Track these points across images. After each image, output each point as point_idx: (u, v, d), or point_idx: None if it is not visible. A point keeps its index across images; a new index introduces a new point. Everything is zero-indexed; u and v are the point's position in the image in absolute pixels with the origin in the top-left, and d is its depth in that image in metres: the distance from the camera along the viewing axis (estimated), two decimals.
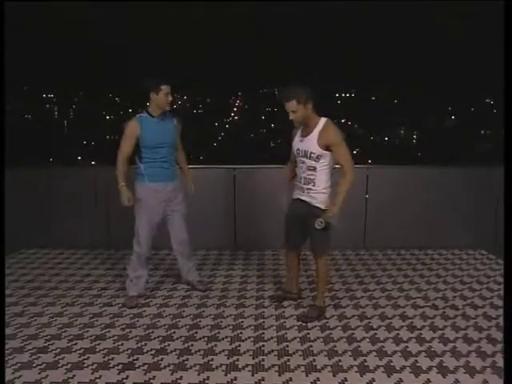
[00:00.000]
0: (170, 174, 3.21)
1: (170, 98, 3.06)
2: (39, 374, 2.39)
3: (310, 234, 2.93)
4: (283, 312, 3.16)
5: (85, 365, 2.48)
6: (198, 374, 2.39)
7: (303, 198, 2.88)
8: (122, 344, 2.72)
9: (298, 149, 2.84)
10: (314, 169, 2.78)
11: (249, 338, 2.79)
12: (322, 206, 2.81)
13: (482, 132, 43.96)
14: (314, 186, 2.81)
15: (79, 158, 38.85)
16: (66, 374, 2.39)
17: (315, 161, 2.76)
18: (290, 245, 3.13)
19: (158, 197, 3.16)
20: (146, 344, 2.71)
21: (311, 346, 2.69)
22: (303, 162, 2.82)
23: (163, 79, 3.04)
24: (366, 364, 2.49)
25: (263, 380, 2.34)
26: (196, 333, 2.86)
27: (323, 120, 2.78)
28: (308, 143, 2.77)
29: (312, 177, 2.80)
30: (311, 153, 2.75)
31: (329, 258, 3.18)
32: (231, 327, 2.94)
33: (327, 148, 2.73)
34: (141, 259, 3.26)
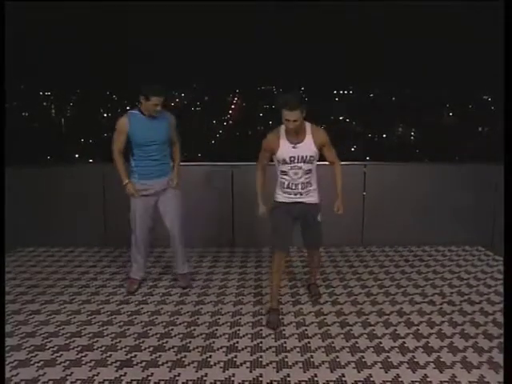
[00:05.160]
0: (160, 171, 3.26)
1: (158, 109, 3.08)
2: (37, 371, 2.39)
3: (311, 231, 3.08)
4: (281, 309, 3.17)
5: (83, 362, 2.48)
6: (196, 371, 2.39)
7: (301, 199, 2.92)
8: (119, 341, 2.72)
9: (293, 156, 2.81)
10: (310, 171, 2.89)
11: (247, 334, 2.80)
12: (318, 201, 2.99)
13: (480, 129, 44.00)
14: (311, 186, 2.93)
15: (76, 155, 38.71)
16: (63, 371, 2.39)
17: (312, 163, 2.87)
18: (283, 247, 2.97)
19: (148, 193, 3.26)
20: (143, 341, 2.72)
21: (309, 342, 2.70)
22: (299, 168, 2.83)
23: (158, 91, 3.03)
24: (363, 360, 2.50)
25: (261, 376, 2.34)
26: (194, 330, 2.86)
27: (308, 124, 2.87)
28: (304, 148, 2.81)
29: (309, 179, 2.90)
30: (310, 156, 2.83)
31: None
32: (229, 324, 2.94)
33: (320, 148, 2.87)
34: (137, 244, 3.41)
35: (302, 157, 2.81)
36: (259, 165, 3.05)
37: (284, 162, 2.84)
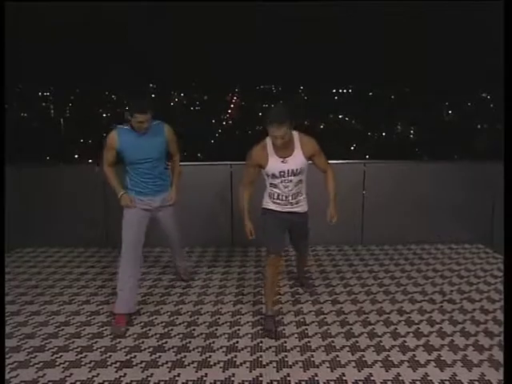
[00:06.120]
0: (156, 189, 3.02)
1: (144, 126, 2.80)
2: (36, 372, 2.39)
3: (301, 238, 3.15)
4: (281, 308, 3.16)
5: (82, 363, 2.48)
6: (196, 371, 2.39)
7: (293, 209, 2.86)
8: (119, 342, 2.71)
9: (282, 171, 2.72)
10: (301, 181, 2.82)
11: (247, 334, 2.80)
12: (307, 209, 2.96)
13: (479, 127, 43.99)
14: (301, 196, 2.87)
15: (76, 156, 38.68)
16: (63, 372, 2.39)
17: (302, 174, 2.79)
18: (278, 250, 2.89)
19: (144, 209, 3.00)
20: (143, 342, 2.71)
21: (309, 341, 2.69)
22: (290, 181, 2.75)
23: (141, 107, 2.75)
24: (363, 359, 2.49)
25: (261, 376, 2.34)
26: (194, 330, 2.86)
27: (296, 134, 2.75)
28: (294, 161, 2.71)
29: (300, 189, 2.84)
30: (301, 169, 2.75)
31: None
32: (229, 324, 2.94)
33: (310, 158, 2.79)
34: (123, 266, 2.91)
35: (292, 170, 2.72)
36: (245, 184, 2.86)
37: (274, 176, 2.75)
